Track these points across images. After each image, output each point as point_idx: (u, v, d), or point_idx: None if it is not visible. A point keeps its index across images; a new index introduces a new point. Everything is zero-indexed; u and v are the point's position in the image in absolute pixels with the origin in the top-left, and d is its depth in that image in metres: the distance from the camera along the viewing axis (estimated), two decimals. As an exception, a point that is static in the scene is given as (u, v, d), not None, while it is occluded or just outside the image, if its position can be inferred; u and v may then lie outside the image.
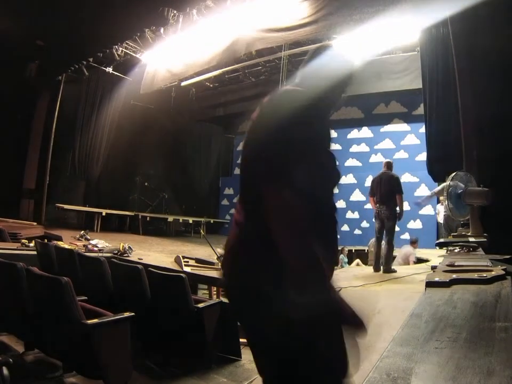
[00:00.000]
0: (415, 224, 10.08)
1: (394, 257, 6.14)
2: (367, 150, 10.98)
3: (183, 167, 13.16)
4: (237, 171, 13.27)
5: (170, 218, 11.44)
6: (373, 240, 7.46)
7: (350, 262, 8.62)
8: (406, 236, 10.00)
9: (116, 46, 9.00)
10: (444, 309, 1.14)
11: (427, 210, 9.85)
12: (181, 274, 2.92)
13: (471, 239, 5.09)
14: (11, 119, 8.73)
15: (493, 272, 1.67)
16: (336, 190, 1.21)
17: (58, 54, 8.58)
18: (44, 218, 9.32)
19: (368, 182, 10.66)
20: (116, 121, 10.83)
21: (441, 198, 7.40)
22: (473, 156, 5.23)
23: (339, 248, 7.28)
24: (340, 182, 1.24)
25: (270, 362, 1.09)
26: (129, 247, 5.98)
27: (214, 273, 4.92)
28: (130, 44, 9.42)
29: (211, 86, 11.86)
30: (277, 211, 0.99)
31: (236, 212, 1.19)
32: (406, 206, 10.20)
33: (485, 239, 4.88)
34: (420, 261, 6.71)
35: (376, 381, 0.73)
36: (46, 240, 5.49)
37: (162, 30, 8.13)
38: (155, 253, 6.79)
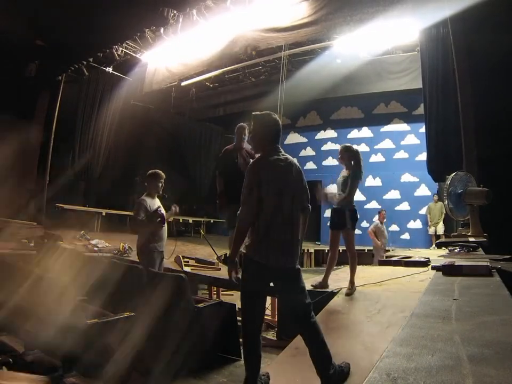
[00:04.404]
0: (415, 224, 10.08)
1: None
2: (367, 150, 10.95)
3: (183, 167, 13.15)
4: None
5: (170, 218, 11.39)
6: None
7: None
8: (406, 236, 10.03)
9: (116, 46, 8.98)
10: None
11: (427, 210, 9.85)
12: (181, 274, 2.92)
13: (471, 239, 5.09)
14: (11, 119, 8.71)
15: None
16: None
17: (58, 54, 8.57)
18: (43, 218, 9.31)
19: (368, 182, 10.66)
20: (115, 121, 10.79)
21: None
22: (473, 155, 5.24)
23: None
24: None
25: None
26: (129, 247, 5.98)
27: (214, 273, 4.92)
28: (130, 43, 9.40)
29: (211, 86, 11.85)
30: None
31: None
32: (406, 206, 10.27)
33: (485, 239, 4.88)
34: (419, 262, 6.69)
35: (376, 381, 0.72)
36: (46, 240, 5.50)
37: (162, 30, 8.11)
38: (155, 253, 6.74)
